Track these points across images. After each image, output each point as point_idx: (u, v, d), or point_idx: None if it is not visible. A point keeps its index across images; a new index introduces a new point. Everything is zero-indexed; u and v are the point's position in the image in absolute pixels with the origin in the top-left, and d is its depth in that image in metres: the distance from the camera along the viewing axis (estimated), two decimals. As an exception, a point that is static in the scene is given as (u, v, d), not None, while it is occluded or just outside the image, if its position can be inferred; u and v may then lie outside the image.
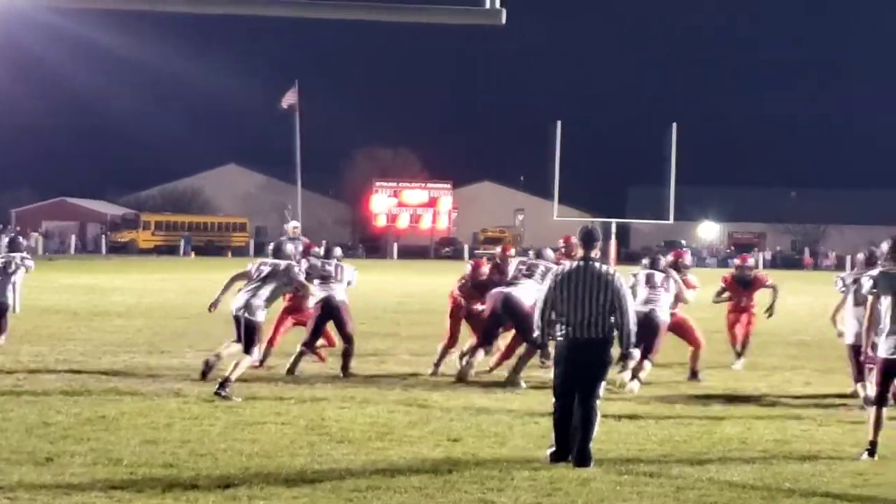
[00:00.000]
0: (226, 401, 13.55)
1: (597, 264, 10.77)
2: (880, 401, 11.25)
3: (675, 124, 70.26)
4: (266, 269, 15.21)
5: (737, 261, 19.66)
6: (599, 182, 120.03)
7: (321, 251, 17.75)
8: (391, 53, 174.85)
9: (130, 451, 10.38)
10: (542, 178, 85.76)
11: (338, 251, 17.65)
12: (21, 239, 19.78)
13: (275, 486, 9.15)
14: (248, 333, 14.63)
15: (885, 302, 11.31)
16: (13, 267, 18.59)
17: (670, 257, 17.33)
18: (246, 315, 14.78)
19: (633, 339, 10.78)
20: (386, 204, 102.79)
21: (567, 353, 10.63)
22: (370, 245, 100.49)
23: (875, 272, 11.81)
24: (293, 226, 25.79)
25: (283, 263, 15.31)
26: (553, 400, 10.77)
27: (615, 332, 10.67)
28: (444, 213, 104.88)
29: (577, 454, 10.33)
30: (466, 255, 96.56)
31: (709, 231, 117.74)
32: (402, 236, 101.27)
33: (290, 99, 74.62)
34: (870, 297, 11.51)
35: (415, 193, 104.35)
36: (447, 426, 12.18)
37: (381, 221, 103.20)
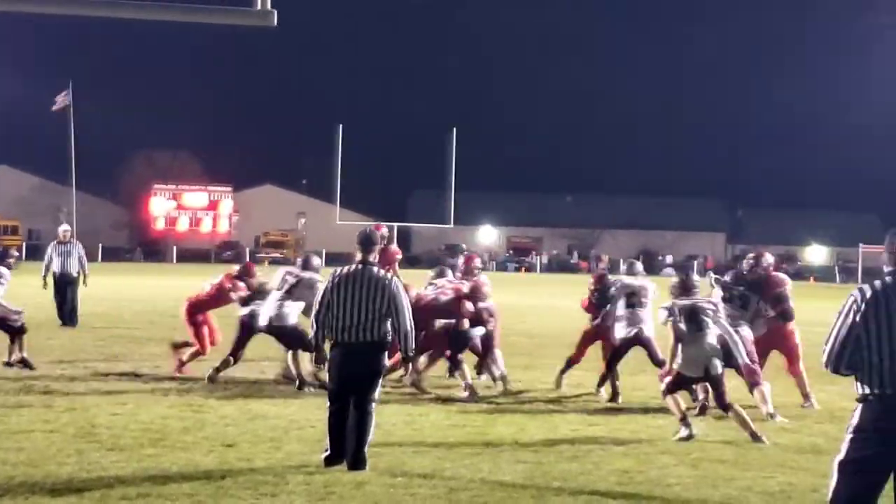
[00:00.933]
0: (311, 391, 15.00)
1: (374, 268, 10.76)
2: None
3: (454, 129, 71.03)
4: (291, 280, 15.82)
5: (591, 282, 16.79)
6: (381, 186, 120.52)
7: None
8: (170, 54, 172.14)
9: None
10: (325, 181, 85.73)
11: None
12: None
13: (40, 496, 8.90)
14: (291, 339, 15.62)
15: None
16: None
17: (461, 263, 17.24)
18: (278, 324, 15.63)
19: (411, 342, 10.79)
20: (165, 207, 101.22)
21: (341, 357, 10.58)
22: (149, 249, 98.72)
23: (668, 304, 13.24)
24: (63, 229, 25.35)
25: (307, 276, 15.85)
26: (328, 404, 10.72)
27: (391, 337, 10.68)
28: (225, 217, 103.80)
29: (351, 458, 10.31)
30: (247, 258, 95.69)
31: (488, 235, 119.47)
32: (181, 240, 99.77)
33: (63, 100, 72.75)
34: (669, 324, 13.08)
35: (195, 196, 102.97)
36: (222, 432, 12.05)
37: (159, 225, 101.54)
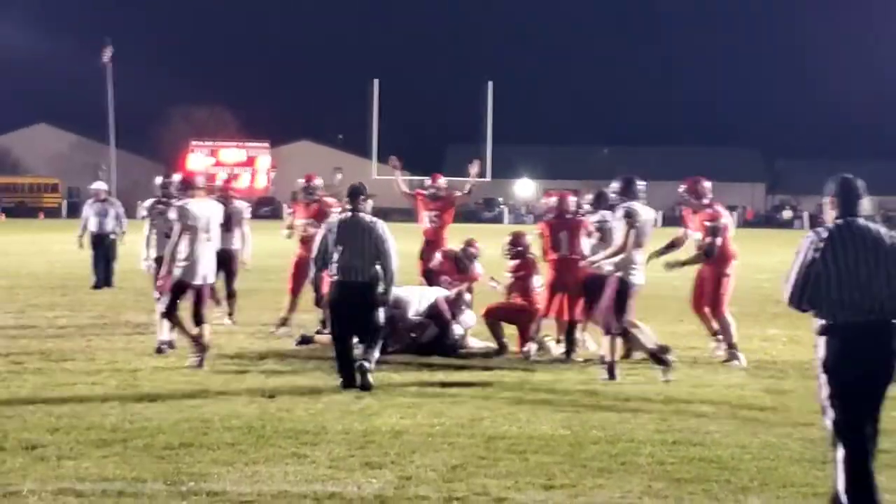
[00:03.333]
0: None
1: (364, 215, 12.26)
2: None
3: (490, 82, 70.72)
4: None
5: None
6: (418, 140, 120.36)
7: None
8: (206, 10, 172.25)
9: (-66, 415, 10.11)
10: (361, 136, 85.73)
11: None
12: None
13: (84, 446, 9.01)
14: None
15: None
16: None
17: None
18: None
19: (394, 281, 12.21)
20: (203, 163, 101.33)
21: (339, 296, 12.10)
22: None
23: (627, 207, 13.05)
24: (99, 187, 24.89)
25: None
26: (333, 341, 12.21)
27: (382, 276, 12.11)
28: (262, 173, 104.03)
29: (361, 379, 11.83)
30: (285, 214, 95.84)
31: (525, 188, 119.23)
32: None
33: (105, 56, 73.11)
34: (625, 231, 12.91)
35: (232, 153, 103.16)
36: (262, 383, 12.15)
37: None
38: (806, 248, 7.25)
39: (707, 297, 14.61)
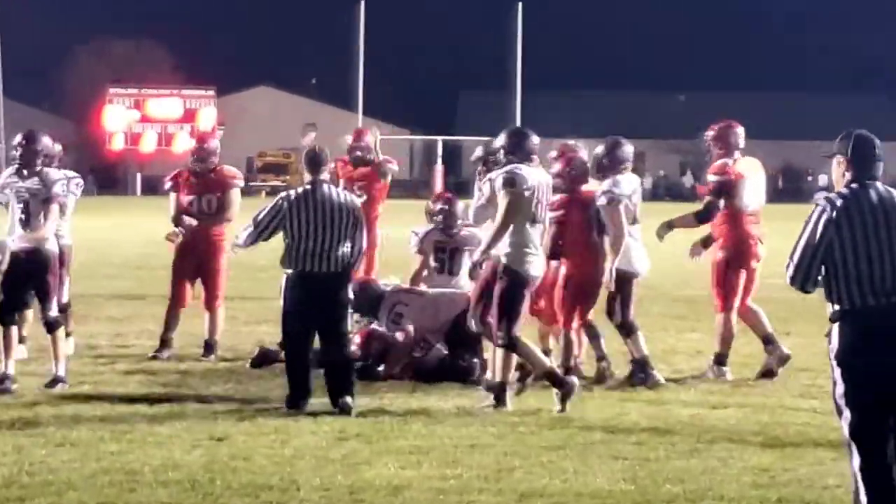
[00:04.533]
0: None
1: (330, 188, 13.05)
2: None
3: (519, 4, 70.64)
4: None
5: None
6: (420, 86, 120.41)
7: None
8: None
9: None
10: (342, 80, 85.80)
11: None
12: None
13: (-33, 508, 9.07)
14: None
15: None
16: None
17: None
18: None
19: (360, 265, 13.45)
20: (125, 119, 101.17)
21: (299, 289, 12.79)
22: (104, 176, 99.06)
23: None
24: None
25: None
26: (284, 342, 13.19)
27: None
28: (206, 131, 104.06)
29: (339, 406, 12.47)
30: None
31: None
32: (147, 163, 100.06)
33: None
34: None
35: (164, 104, 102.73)
36: (210, 421, 12.17)
37: (117, 143, 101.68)
38: (817, 215, 7.90)
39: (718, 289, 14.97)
